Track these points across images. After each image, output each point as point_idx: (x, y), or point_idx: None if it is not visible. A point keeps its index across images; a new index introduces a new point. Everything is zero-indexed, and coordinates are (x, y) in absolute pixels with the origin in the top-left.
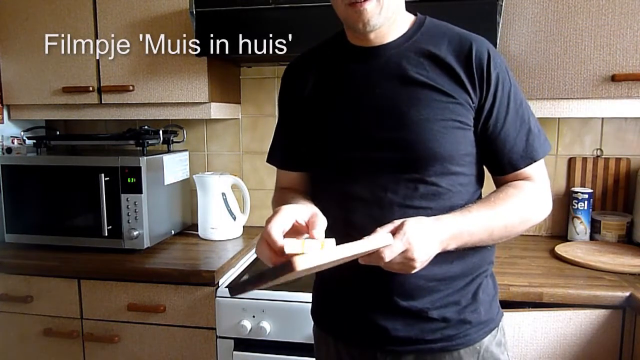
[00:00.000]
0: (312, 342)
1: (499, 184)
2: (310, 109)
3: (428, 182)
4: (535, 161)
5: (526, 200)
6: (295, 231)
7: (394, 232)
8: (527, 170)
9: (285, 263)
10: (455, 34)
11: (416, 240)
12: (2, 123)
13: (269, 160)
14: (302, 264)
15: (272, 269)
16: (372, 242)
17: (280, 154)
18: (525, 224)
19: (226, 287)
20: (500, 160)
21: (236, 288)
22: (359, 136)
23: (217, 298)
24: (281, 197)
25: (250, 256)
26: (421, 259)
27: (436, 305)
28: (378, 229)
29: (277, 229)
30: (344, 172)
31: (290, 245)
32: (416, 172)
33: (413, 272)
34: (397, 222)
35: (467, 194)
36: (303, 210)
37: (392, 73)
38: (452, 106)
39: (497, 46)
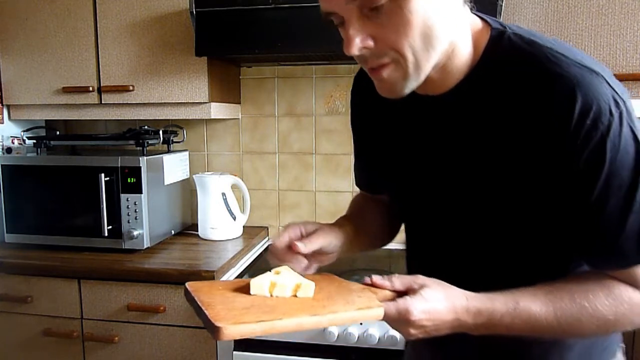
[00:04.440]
0: (312, 342)
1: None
2: (382, 145)
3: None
4: None
5: (600, 304)
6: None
7: (405, 292)
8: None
9: (213, 327)
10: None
11: (420, 315)
12: (2, 123)
13: (358, 185)
14: (230, 333)
15: (206, 321)
16: (358, 315)
17: (364, 178)
18: (603, 328)
19: (186, 283)
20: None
21: (188, 296)
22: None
23: None
24: (357, 203)
25: (250, 256)
26: (418, 336)
27: None
28: (394, 277)
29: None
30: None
31: (257, 286)
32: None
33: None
34: (416, 282)
35: None
36: (309, 226)
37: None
38: None
39: None
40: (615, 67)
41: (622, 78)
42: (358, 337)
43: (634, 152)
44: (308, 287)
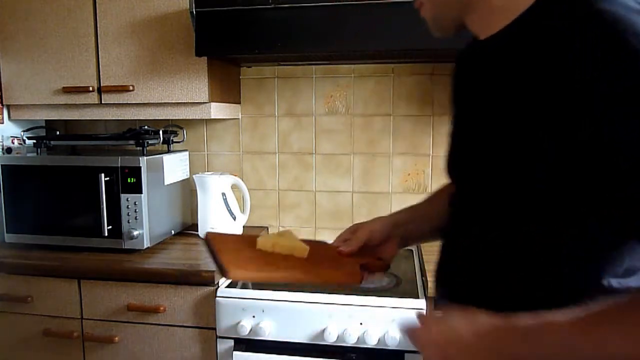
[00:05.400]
0: (311, 342)
1: None
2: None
3: None
4: None
5: None
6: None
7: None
8: None
9: (223, 269)
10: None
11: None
12: (2, 123)
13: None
14: (236, 275)
15: (218, 264)
16: (340, 277)
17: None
18: None
19: (207, 232)
20: None
21: (206, 243)
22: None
23: (217, 298)
24: (438, 192)
25: None
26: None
27: None
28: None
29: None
30: None
31: (262, 242)
32: None
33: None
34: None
35: None
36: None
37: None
38: None
39: None
40: None
41: None
42: (358, 338)
43: None
44: (303, 250)
